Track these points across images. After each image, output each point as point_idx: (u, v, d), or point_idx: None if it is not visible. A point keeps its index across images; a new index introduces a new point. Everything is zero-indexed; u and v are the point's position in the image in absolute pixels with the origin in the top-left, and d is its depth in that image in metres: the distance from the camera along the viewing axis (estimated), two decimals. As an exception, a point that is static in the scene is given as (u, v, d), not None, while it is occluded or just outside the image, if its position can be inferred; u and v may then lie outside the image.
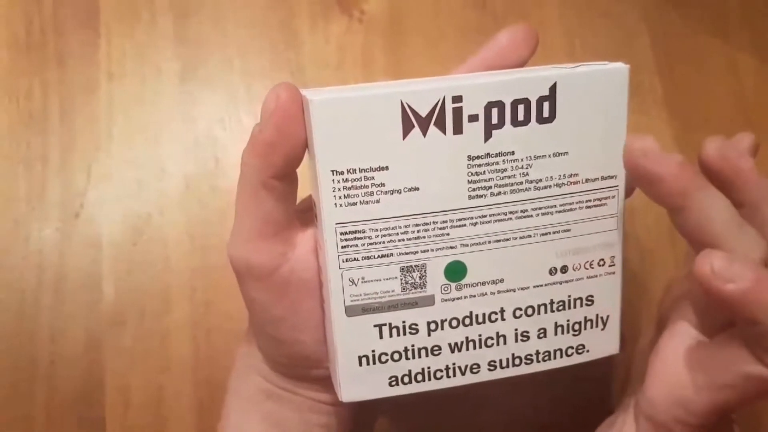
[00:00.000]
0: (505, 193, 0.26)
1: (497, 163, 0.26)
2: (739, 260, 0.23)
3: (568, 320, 0.28)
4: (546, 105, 0.26)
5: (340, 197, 0.25)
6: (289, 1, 0.42)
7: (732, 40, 0.46)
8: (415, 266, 0.27)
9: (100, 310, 0.36)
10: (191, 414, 0.36)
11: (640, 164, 0.24)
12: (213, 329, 0.37)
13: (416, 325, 0.27)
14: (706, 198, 0.24)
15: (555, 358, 0.29)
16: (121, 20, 0.40)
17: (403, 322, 0.27)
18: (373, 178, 0.25)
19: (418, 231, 0.26)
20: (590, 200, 0.27)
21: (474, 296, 0.27)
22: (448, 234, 0.26)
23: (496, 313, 0.27)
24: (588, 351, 0.29)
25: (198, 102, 0.40)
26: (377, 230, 0.26)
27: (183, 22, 0.41)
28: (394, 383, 0.28)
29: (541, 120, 0.26)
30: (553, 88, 0.26)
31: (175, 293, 0.37)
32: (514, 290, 0.27)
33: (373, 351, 0.27)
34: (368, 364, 0.27)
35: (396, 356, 0.27)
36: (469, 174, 0.26)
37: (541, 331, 0.28)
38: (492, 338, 0.28)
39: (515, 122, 0.26)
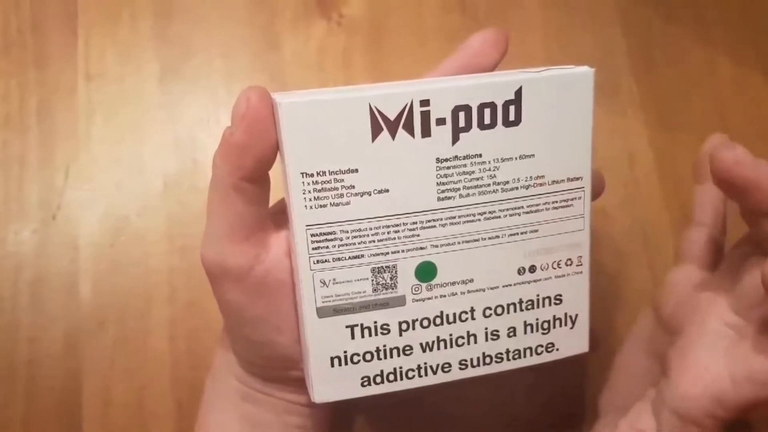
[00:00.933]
0: (473, 194, 0.26)
1: (465, 165, 0.26)
2: None
3: (537, 319, 0.29)
4: (512, 108, 0.26)
5: (310, 199, 0.25)
6: (269, 3, 0.42)
7: (709, 42, 0.46)
8: (385, 267, 0.27)
9: (78, 311, 0.36)
10: (171, 414, 0.36)
11: (735, 173, 0.25)
12: (193, 329, 0.37)
13: (388, 325, 0.27)
14: None
15: (525, 356, 0.29)
16: (101, 21, 0.40)
17: (375, 322, 0.27)
18: (342, 180, 0.25)
19: (389, 232, 0.26)
20: (557, 201, 0.28)
21: (444, 296, 0.27)
22: (418, 235, 0.27)
23: (466, 313, 0.28)
24: (557, 349, 0.29)
25: (178, 103, 0.40)
26: (348, 232, 0.26)
27: (163, 22, 0.41)
28: (366, 383, 0.28)
29: (507, 123, 0.26)
30: (518, 92, 0.26)
31: (154, 294, 0.37)
32: (483, 290, 0.28)
33: (345, 352, 0.27)
34: (340, 364, 0.27)
35: (368, 356, 0.27)
36: (438, 176, 0.26)
37: (511, 330, 0.28)
38: (463, 337, 0.28)
39: (482, 125, 0.26)
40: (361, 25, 0.43)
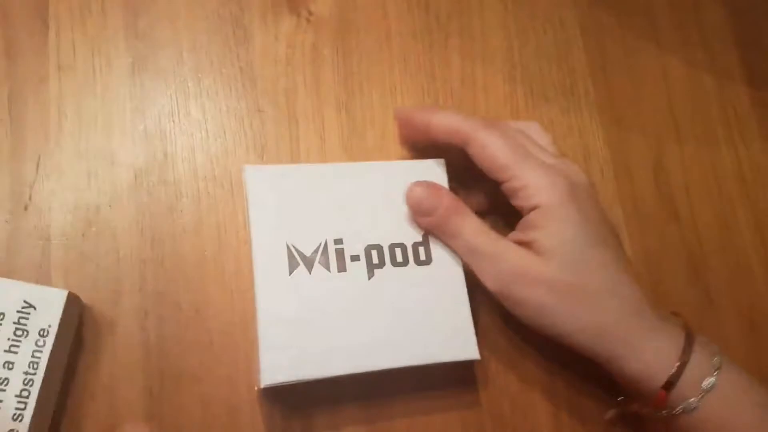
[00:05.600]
0: None
1: None
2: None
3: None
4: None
5: None
6: (238, -1, 0.43)
7: (662, 45, 0.48)
8: None
9: (49, 300, 0.36)
10: (141, 404, 0.36)
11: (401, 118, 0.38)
12: (163, 320, 0.37)
13: None
14: (485, 137, 0.34)
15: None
16: (71, 12, 0.40)
17: None
18: None
19: None
20: None
21: None
22: None
23: None
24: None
25: (148, 95, 0.40)
26: None
27: (134, 14, 0.41)
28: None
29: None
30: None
31: (124, 284, 0.37)
32: None
33: None
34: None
35: None
36: None
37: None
38: None
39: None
40: (329, 22, 0.44)
